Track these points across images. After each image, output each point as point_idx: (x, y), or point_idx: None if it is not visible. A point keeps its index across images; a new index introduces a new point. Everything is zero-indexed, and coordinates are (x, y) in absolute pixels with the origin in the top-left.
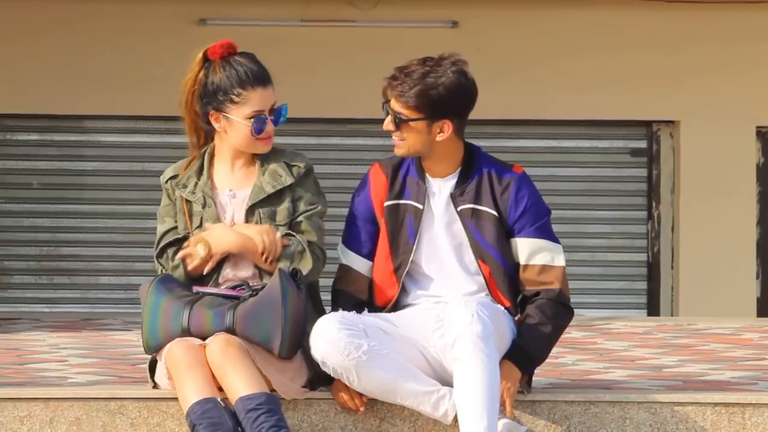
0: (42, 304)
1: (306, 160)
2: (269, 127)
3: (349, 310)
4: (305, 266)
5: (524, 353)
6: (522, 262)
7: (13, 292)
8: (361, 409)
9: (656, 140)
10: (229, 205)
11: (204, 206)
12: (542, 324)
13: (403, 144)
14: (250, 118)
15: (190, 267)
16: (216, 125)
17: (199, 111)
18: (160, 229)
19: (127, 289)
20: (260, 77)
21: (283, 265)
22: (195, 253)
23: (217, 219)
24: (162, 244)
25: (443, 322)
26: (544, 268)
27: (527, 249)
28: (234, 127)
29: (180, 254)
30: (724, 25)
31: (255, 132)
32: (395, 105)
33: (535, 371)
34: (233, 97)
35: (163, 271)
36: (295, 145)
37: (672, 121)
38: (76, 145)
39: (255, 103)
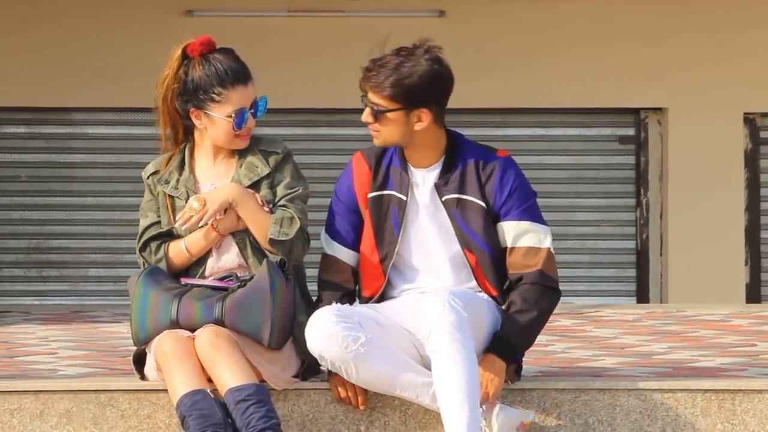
0: (31, 297)
1: (282, 146)
2: (250, 122)
3: (338, 301)
4: (293, 228)
5: (505, 344)
6: (508, 245)
7: (2, 285)
8: (362, 407)
9: (644, 127)
10: None
11: (187, 201)
12: (525, 311)
13: (380, 134)
14: (231, 115)
15: (186, 225)
16: (197, 122)
17: (179, 108)
18: (143, 223)
19: (117, 281)
20: (240, 75)
21: (273, 230)
22: (189, 208)
23: None
24: (145, 237)
25: (421, 314)
26: (529, 251)
27: (513, 231)
28: (215, 124)
29: (179, 220)
30: (711, 14)
31: (236, 127)
32: (372, 97)
33: (524, 360)
34: (214, 96)
35: (146, 265)
36: (283, 136)
37: (660, 109)
38: (64, 138)
39: (236, 102)
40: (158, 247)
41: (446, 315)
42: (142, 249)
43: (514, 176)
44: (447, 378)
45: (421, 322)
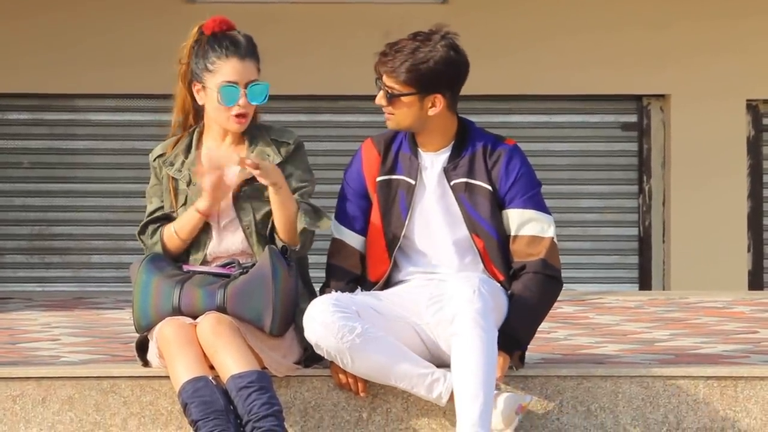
0: (34, 284)
1: (295, 136)
2: (242, 101)
3: (343, 286)
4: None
5: (510, 337)
6: (512, 233)
7: (4, 271)
8: (362, 394)
9: (647, 114)
10: None
11: (189, 184)
12: (528, 302)
13: (393, 118)
14: (219, 86)
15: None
16: (198, 97)
17: (188, 86)
18: (149, 208)
19: (119, 267)
20: (238, 48)
21: (304, 222)
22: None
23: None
24: (145, 221)
25: (440, 297)
26: (533, 239)
27: (517, 220)
28: (208, 97)
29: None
30: (714, 1)
31: (221, 100)
32: (387, 80)
33: (527, 347)
34: (208, 64)
35: (145, 248)
36: (286, 122)
37: (662, 95)
38: (67, 124)
39: (226, 73)
40: (154, 231)
41: (474, 301)
42: (141, 232)
43: (520, 164)
44: (465, 363)
45: (442, 302)
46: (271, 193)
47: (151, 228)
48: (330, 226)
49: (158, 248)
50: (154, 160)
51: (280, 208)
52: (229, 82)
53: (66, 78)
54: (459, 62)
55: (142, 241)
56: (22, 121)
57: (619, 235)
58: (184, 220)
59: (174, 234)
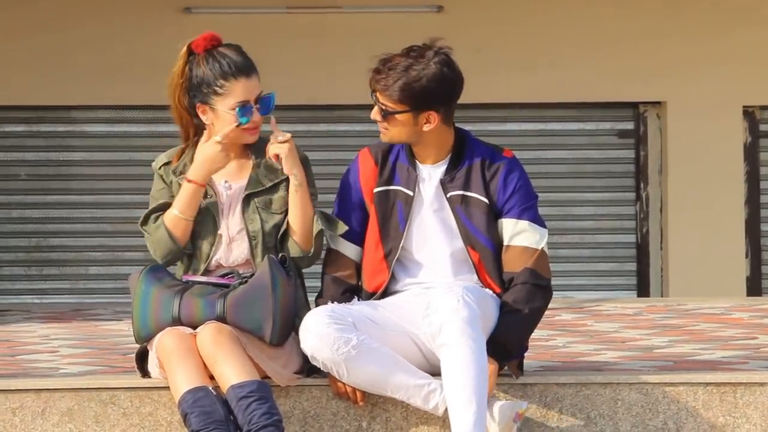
0: (32, 295)
1: (300, 150)
2: (255, 116)
3: (339, 297)
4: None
5: (499, 345)
6: (505, 242)
7: (2, 284)
8: (361, 403)
9: (643, 121)
10: (225, 196)
11: (206, 196)
12: (516, 312)
13: (388, 133)
14: (235, 108)
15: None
16: (204, 118)
17: (186, 104)
18: (154, 206)
19: (117, 278)
20: (243, 68)
21: (320, 224)
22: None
23: (217, 208)
24: (147, 212)
25: (430, 309)
26: (525, 250)
27: (511, 230)
28: (220, 118)
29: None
30: (710, 8)
31: (240, 122)
32: (380, 98)
33: (526, 354)
34: (217, 89)
35: (148, 237)
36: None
37: (659, 102)
38: (63, 136)
39: (239, 94)
40: (156, 219)
41: (460, 310)
42: (144, 222)
43: (518, 177)
44: (456, 373)
45: (430, 316)
46: (292, 192)
47: (153, 217)
48: (345, 230)
49: (161, 233)
50: (160, 167)
51: (301, 209)
52: (243, 102)
53: (62, 90)
54: (453, 79)
55: (146, 231)
56: (18, 133)
57: (617, 243)
58: (182, 196)
59: (177, 213)
